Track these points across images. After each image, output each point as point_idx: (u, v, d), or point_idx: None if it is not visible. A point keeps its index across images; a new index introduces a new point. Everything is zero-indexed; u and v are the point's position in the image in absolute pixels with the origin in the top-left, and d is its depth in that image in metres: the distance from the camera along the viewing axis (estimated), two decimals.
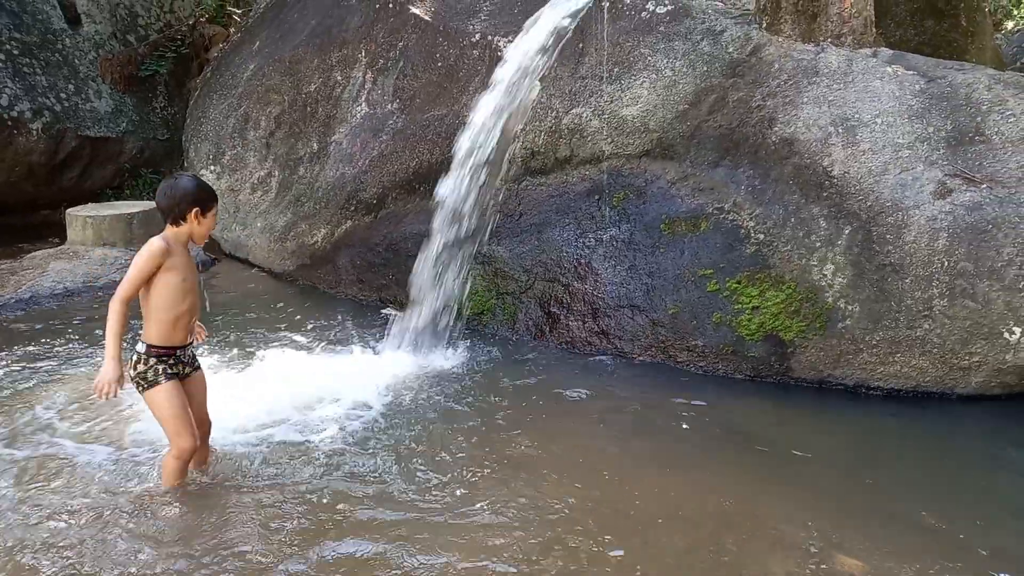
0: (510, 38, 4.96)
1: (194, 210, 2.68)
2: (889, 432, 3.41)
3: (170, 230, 2.71)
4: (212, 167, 6.59)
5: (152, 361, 2.69)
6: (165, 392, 2.69)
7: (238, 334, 4.52)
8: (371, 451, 3.16)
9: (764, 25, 4.44)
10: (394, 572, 2.39)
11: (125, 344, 2.65)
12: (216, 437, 3.06)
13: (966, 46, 6.52)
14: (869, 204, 3.70)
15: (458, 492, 2.85)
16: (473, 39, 5.26)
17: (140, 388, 2.72)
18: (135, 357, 2.70)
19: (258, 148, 6.30)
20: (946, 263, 3.49)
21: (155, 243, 2.62)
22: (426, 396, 3.69)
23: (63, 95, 7.07)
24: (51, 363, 4.06)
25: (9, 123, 6.57)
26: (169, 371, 2.71)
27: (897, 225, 3.61)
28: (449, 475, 2.98)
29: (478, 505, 2.76)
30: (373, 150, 5.52)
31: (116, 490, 2.84)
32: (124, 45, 7.67)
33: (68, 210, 5.85)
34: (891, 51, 4.19)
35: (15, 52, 6.80)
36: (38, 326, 4.61)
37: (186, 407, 2.75)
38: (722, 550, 2.51)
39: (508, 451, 3.19)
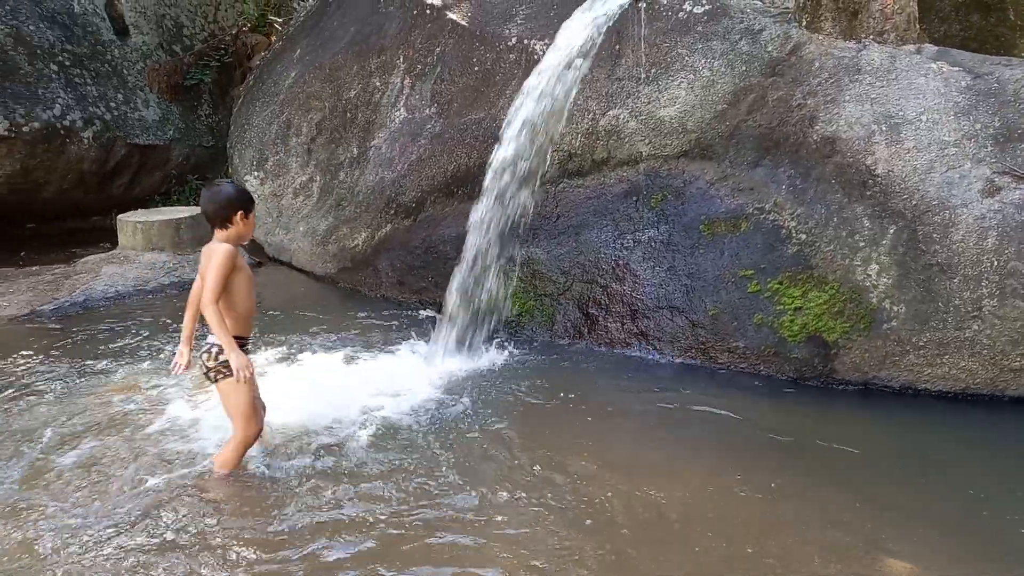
0: (546, 41, 4.99)
1: (238, 213, 2.93)
2: (937, 435, 3.35)
3: (220, 234, 2.94)
4: (256, 173, 6.74)
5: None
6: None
7: (282, 336, 4.62)
8: (415, 450, 3.21)
9: (804, 23, 4.39)
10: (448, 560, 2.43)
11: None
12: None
13: (1014, 40, 6.33)
14: (914, 203, 3.64)
15: (502, 494, 2.88)
16: (509, 43, 5.29)
17: (219, 377, 2.93)
18: (215, 350, 2.90)
19: (300, 154, 6.42)
20: (996, 262, 3.42)
21: (225, 247, 2.87)
22: (465, 398, 3.72)
23: (112, 104, 7.29)
24: (106, 361, 4.20)
25: (62, 132, 6.80)
26: None
27: (944, 224, 3.54)
28: (490, 476, 3.01)
29: (521, 505, 2.79)
30: (412, 154, 5.59)
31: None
32: (170, 55, 7.88)
33: (119, 216, 6.04)
34: (935, 47, 4.11)
35: (67, 63, 7.03)
36: (92, 327, 4.77)
37: (257, 394, 2.99)
38: (766, 553, 2.50)
39: (549, 453, 3.21)
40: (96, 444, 3.27)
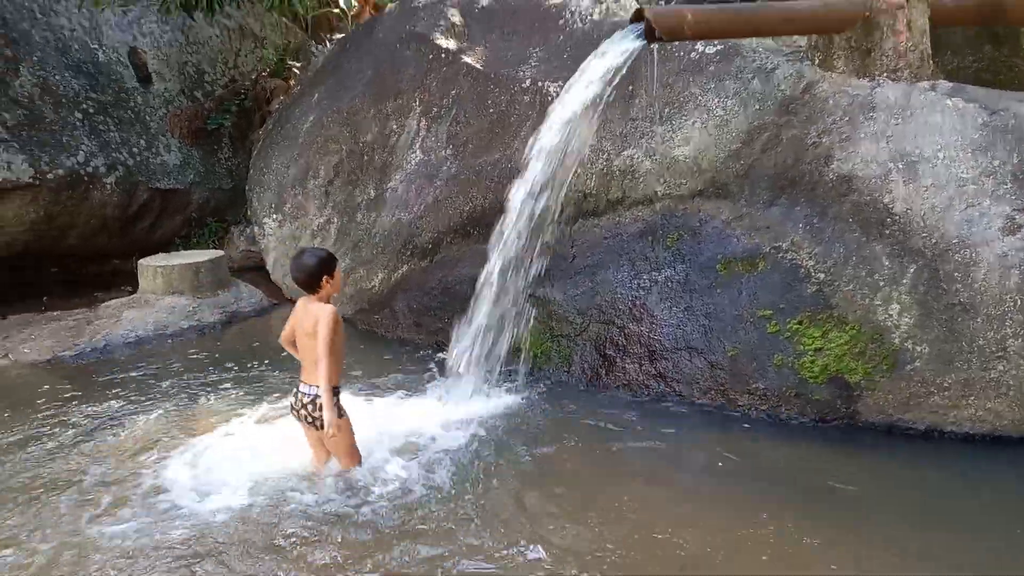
0: (560, 83, 5.04)
1: (324, 277, 3.36)
2: (961, 479, 3.26)
3: (313, 296, 3.37)
4: (274, 215, 6.82)
5: (335, 399, 3.30)
6: (348, 420, 3.36)
7: (295, 378, 4.61)
8: (427, 498, 3.18)
9: (816, 62, 4.40)
10: None
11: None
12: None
13: None
14: (934, 241, 3.60)
15: (520, 539, 2.84)
16: (524, 85, 5.35)
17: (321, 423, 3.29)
18: (318, 400, 3.26)
19: (317, 196, 6.49)
20: (1020, 301, 3.36)
21: (330, 309, 3.28)
22: (479, 442, 3.70)
23: (135, 150, 7.44)
24: (123, 406, 4.22)
25: (85, 179, 6.94)
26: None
27: (965, 263, 3.50)
28: (505, 516, 2.97)
29: (536, 544, 2.74)
30: (428, 196, 5.64)
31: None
32: (192, 101, 8.05)
33: (140, 260, 6.12)
34: (950, 84, 4.09)
35: (91, 111, 7.21)
36: (112, 374, 4.81)
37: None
38: None
39: (567, 493, 3.17)
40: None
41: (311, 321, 3.26)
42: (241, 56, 8.63)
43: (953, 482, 3.24)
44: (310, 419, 3.32)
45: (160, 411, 4.19)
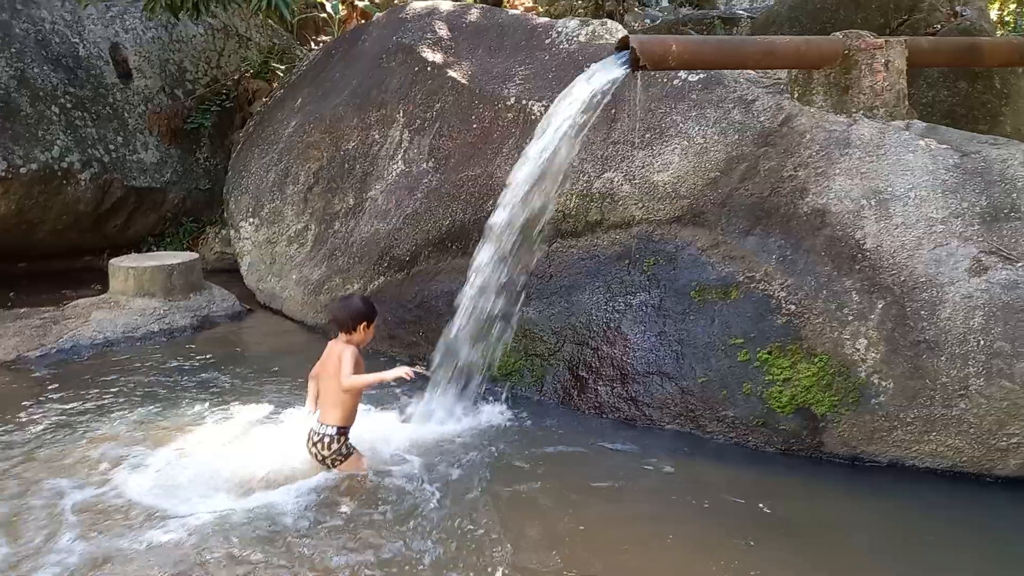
0: (544, 103, 5.07)
1: (363, 323, 3.52)
2: (924, 514, 3.32)
3: (344, 337, 3.51)
4: (251, 219, 6.77)
5: (344, 439, 3.46)
6: (359, 454, 3.51)
7: (268, 389, 4.59)
8: (380, 522, 3.17)
9: (796, 95, 4.48)
10: None
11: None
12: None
13: (1000, 108, 6.49)
14: (903, 279, 3.68)
15: (480, 559, 2.85)
16: (508, 102, 5.38)
17: (338, 462, 3.44)
18: (327, 439, 3.41)
19: (296, 202, 6.46)
20: (982, 342, 3.44)
21: (353, 349, 3.45)
22: (445, 461, 3.69)
23: (112, 146, 7.35)
24: (86, 416, 4.15)
25: (59, 174, 6.84)
26: None
27: (932, 301, 3.58)
28: (467, 541, 2.97)
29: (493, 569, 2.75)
30: (408, 207, 5.63)
31: None
32: (172, 99, 7.98)
33: (111, 261, 6.04)
34: (924, 124, 4.19)
35: (68, 105, 7.11)
36: (78, 376, 4.73)
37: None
38: None
39: (529, 519, 3.18)
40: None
41: (334, 362, 3.43)
42: (224, 56, 8.57)
43: (912, 516, 3.30)
44: (320, 457, 3.43)
45: (126, 418, 4.12)
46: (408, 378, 3.46)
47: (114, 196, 7.33)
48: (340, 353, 3.44)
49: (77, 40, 7.36)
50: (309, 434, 3.47)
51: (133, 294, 5.75)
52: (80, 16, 7.42)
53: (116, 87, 7.58)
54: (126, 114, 7.58)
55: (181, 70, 8.19)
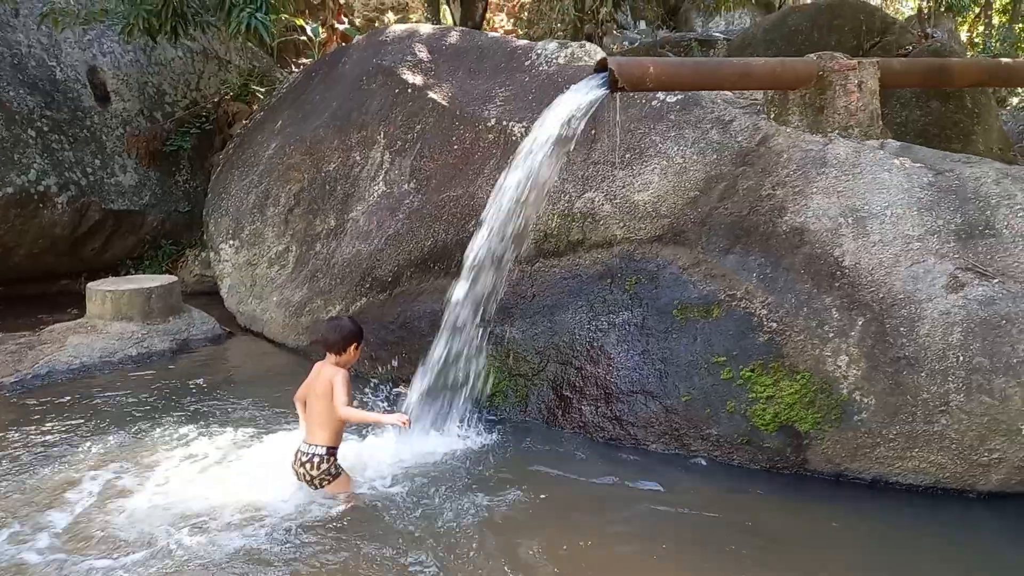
0: (524, 124, 5.11)
1: (353, 344, 3.57)
2: (908, 531, 3.32)
3: (332, 358, 3.54)
4: (231, 241, 6.72)
5: (333, 459, 3.46)
6: (346, 474, 3.52)
7: (250, 412, 4.53)
8: (364, 543, 3.13)
9: (772, 115, 4.55)
10: None
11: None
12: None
13: (972, 127, 6.63)
14: (881, 296, 3.71)
15: None
16: (489, 123, 5.41)
17: (326, 483, 3.44)
18: (316, 459, 3.41)
19: (276, 224, 6.43)
20: (961, 358, 3.48)
21: (344, 372, 3.48)
22: (428, 482, 3.65)
23: (89, 170, 7.29)
24: (63, 438, 4.07)
25: (36, 197, 6.77)
26: None
27: (910, 318, 3.61)
28: (454, 562, 2.94)
29: None
30: (389, 228, 5.62)
31: None
32: (151, 121, 7.94)
33: (88, 284, 5.96)
34: (898, 143, 4.26)
35: (45, 129, 7.05)
36: (53, 402, 4.64)
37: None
38: None
39: (511, 539, 3.14)
40: None
41: (324, 383, 3.45)
42: (204, 78, 8.56)
43: (896, 533, 3.31)
44: (308, 477, 3.43)
45: (102, 444, 4.05)
46: (403, 426, 3.46)
47: (91, 219, 7.25)
48: (331, 377, 3.45)
49: (54, 63, 7.32)
50: (296, 455, 3.46)
51: (110, 318, 5.67)
52: (57, 39, 7.39)
53: (94, 110, 7.53)
54: (104, 137, 7.52)
55: (160, 93, 8.16)
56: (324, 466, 3.43)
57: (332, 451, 3.46)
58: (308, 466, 3.41)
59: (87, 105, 7.48)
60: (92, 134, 7.43)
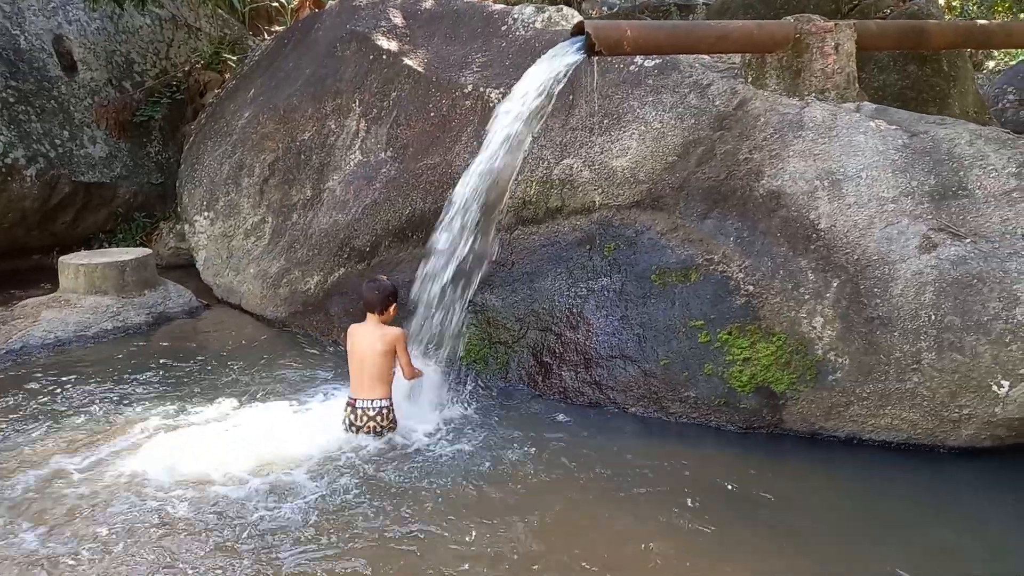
0: (501, 90, 5.05)
1: (393, 305, 3.90)
2: (879, 486, 3.40)
3: (375, 318, 3.86)
4: (206, 213, 6.63)
5: (392, 410, 3.80)
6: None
7: (230, 382, 4.51)
8: (348, 515, 3.15)
9: (750, 79, 4.53)
10: None
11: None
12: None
13: (948, 90, 6.66)
14: (856, 257, 3.75)
15: (452, 544, 2.84)
16: (465, 90, 5.35)
17: (390, 430, 3.78)
18: (384, 411, 3.75)
19: (252, 194, 6.34)
20: (933, 316, 3.53)
21: (399, 331, 3.87)
22: (412, 452, 3.68)
23: (58, 141, 7.12)
24: (37, 413, 4.03)
25: (3, 170, 6.61)
26: None
27: (884, 278, 3.66)
28: (439, 534, 2.97)
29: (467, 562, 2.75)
30: (366, 197, 5.57)
31: None
32: (120, 91, 7.75)
33: (61, 258, 5.86)
34: (874, 106, 4.28)
35: (11, 100, 6.87)
36: (28, 377, 4.59)
37: None
38: None
39: (494, 505, 3.18)
40: None
41: (380, 340, 3.76)
42: (173, 47, 8.36)
43: (869, 488, 3.38)
44: (378, 429, 3.73)
45: (76, 419, 4.02)
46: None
47: (62, 192, 7.11)
48: (392, 339, 3.79)
49: (18, 32, 7.10)
50: (356, 411, 3.73)
51: (84, 292, 5.59)
52: (20, 7, 7.16)
53: (61, 80, 7.34)
54: (72, 108, 7.34)
55: (128, 62, 7.96)
56: (391, 416, 3.78)
57: (391, 402, 3.80)
58: (379, 418, 3.73)
59: (53, 75, 7.28)
60: (60, 105, 7.24)
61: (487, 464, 3.56)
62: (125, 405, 4.21)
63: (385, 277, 4.20)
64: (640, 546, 2.92)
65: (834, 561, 2.85)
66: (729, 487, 3.37)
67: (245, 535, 2.95)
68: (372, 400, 3.75)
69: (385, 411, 3.77)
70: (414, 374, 3.93)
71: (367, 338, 3.81)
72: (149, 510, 3.11)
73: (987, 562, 2.86)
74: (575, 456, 3.65)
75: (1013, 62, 11.05)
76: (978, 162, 3.80)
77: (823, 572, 2.78)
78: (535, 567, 2.78)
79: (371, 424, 3.73)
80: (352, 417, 3.75)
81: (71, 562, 2.79)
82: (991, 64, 12.77)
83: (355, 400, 3.77)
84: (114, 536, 2.94)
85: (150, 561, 2.79)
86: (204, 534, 2.95)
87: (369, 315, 3.87)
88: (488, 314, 4.71)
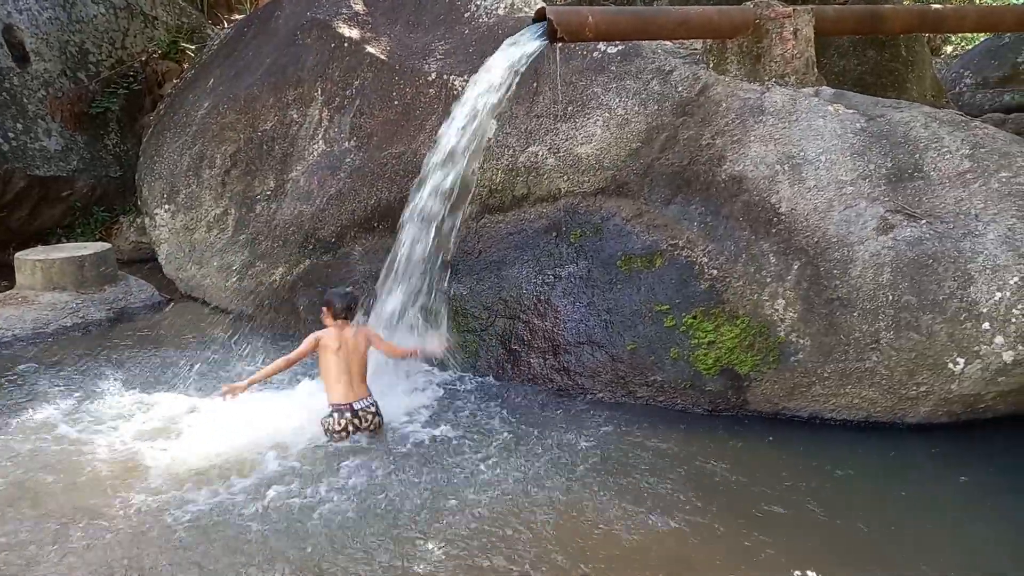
0: (465, 77, 5.02)
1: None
2: (840, 463, 3.47)
3: (340, 323, 3.85)
4: (166, 205, 6.51)
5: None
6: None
7: (187, 379, 4.44)
8: (319, 504, 3.14)
9: (711, 65, 4.57)
10: None
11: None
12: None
13: (906, 75, 6.78)
14: (816, 240, 3.82)
15: (413, 535, 2.85)
16: (429, 78, 5.31)
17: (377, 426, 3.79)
18: (375, 408, 3.77)
19: (214, 186, 6.23)
20: (891, 297, 3.61)
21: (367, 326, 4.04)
22: (379, 443, 3.67)
23: (11, 135, 6.93)
24: None
25: None
26: None
27: (843, 260, 3.73)
28: (408, 521, 2.97)
29: (433, 545, 2.76)
30: (331, 188, 5.51)
31: None
32: (74, 83, 7.55)
33: (17, 254, 5.71)
34: (832, 90, 4.34)
35: None
36: None
37: None
38: None
39: (463, 490, 3.19)
40: None
41: (362, 341, 3.82)
42: (129, 36, 8.15)
43: (831, 465, 3.45)
44: (374, 426, 3.73)
45: (38, 415, 3.93)
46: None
47: (16, 187, 6.92)
48: (361, 337, 3.84)
49: None
50: (359, 415, 3.70)
51: (42, 288, 5.46)
52: None
53: (12, 72, 7.12)
54: (25, 100, 7.14)
55: (83, 52, 7.75)
56: (380, 412, 3.79)
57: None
58: (377, 417, 3.75)
59: (5, 66, 7.06)
60: (12, 97, 7.04)
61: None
62: (87, 402, 4.12)
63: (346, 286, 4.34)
64: (605, 524, 2.95)
65: (797, 538, 2.90)
66: (694, 468, 3.42)
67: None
68: (367, 399, 3.77)
69: (376, 408, 3.79)
70: (405, 352, 4.03)
71: (349, 341, 3.80)
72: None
73: (944, 533, 2.94)
74: (538, 443, 3.66)
75: (970, 47, 11.27)
76: (933, 144, 3.88)
77: (787, 551, 2.83)
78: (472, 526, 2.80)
79: (376, 421, 3.74)
80: (356, 422, 3.70)
81: None
82: (949, 49, 13.01)
83: (351, 404, 3.71)
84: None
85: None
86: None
87: (333, 321, 3.86)
88: (456, 303, 4.70)
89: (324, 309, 3.91)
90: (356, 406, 3.72)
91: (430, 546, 2.83)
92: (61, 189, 7.31)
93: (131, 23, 8.17)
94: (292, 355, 3.84)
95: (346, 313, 3.88)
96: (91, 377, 4.47)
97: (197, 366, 4.56)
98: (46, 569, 2.74)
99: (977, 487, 3.27)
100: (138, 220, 7.31)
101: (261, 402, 4.04)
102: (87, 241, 6.94)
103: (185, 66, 7.81)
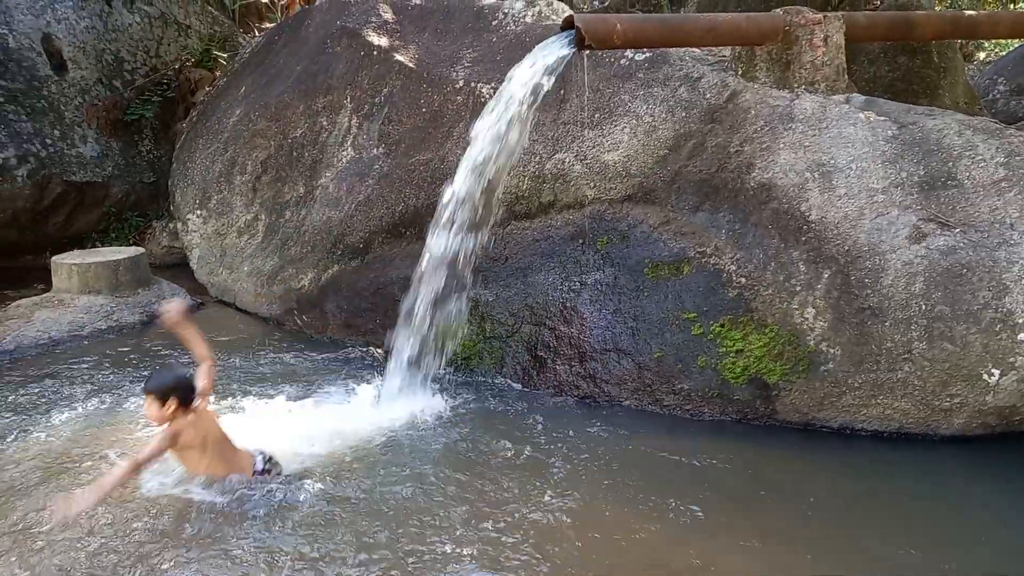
0: (493, 85, 5.05)
1: None
2: (871, 475, 3.43)
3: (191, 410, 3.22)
4: (198, 211, 6.62)
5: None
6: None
7: (226, 380, 4.51)
8: (352, 515, 3.16)
9: (740, 72, 4.55)
10: None
11: None
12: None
13: (938, 81, 6.68)
14: (847, 248, 3.78)
15: (447, 547, 2.86)
16: (457, 85, 5.34)
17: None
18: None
19: (244, 192, 6.33)
20: (924, 306, 3.56)
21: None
22: (408, 448, 3.69)
23: (48, 141, 7.10)
24: (31, 412, 4.03)
25: None
26: None
27: (875, 269, 3.68)
28: (435, 528, 2.99)
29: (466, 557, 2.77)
30: (359, 194, 5.57)
31: None
32: (110, 90, 7.72)
33: (53, 258, 5.85)
34: (863, 97, 4.30)
35: (0, 100, 6.83)
36: (21, 377, 4.58)
37: None
38: None
39: (492, 501, 3.20)
40: None
41: (211, 414, 3.38)
42: (164, 45, 8.32)
43: (862, 478, 3.41)
44: (280, 469, 3.41)
45: (73, 417, 4.02)
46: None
47: (53, 192, 7.09)
48: (205, 402, 3.35)
49: (6, 31, 7.07)
50: (263, 472, 3.36)
51: (78, 291, 5.58)
52: (8, 5, 7.12)
53: (50, 79, 7.31)
54: (62, 107, 7.31)
55: (118, 60, 7.92)
56: (272, 457, 3.41)
57: None
58: (277, 465, 3.41)
59: (43, 74, 7.25)
60: (50, 104, 7.22)
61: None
62: (121, 405, 4.20)
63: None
64: (632, 536, 2.94)
65: (826, 552, 2.87)
66: (722, 479, 3.39)
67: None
68: (257, 459, 3.36)
69: (264, 455, 3.40)
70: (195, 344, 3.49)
71: (208, 427, 3.28)
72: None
73: (978, 549, 2.88)
74: (569, 447, 3.66)
75: (1004, 53, 11.08)
76: (967, 152, 3.82)
77: (817, 563, 2.80)
78: (516, 537, 2.80)
79: (279, 467, 3.40)
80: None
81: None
82: (981, 55, 12.80)
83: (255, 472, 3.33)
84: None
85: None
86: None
87: (184, 415, 3.17)
88: (482, 309, 4.72)
89: (166, 402, 3.12)
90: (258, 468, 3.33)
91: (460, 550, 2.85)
92: (97, 194, 7.47)
93: (165, 32, 8.34)
94: (141, 457, 3.08)
95: (193, 397, 3.23)
96: (126, 379, 4.56)
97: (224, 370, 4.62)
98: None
99: (1015, 501, 3.20)
100: (171, 225, 7.44)
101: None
102: (121, 245, 7.08)
103: (217, 74, 7.95)
